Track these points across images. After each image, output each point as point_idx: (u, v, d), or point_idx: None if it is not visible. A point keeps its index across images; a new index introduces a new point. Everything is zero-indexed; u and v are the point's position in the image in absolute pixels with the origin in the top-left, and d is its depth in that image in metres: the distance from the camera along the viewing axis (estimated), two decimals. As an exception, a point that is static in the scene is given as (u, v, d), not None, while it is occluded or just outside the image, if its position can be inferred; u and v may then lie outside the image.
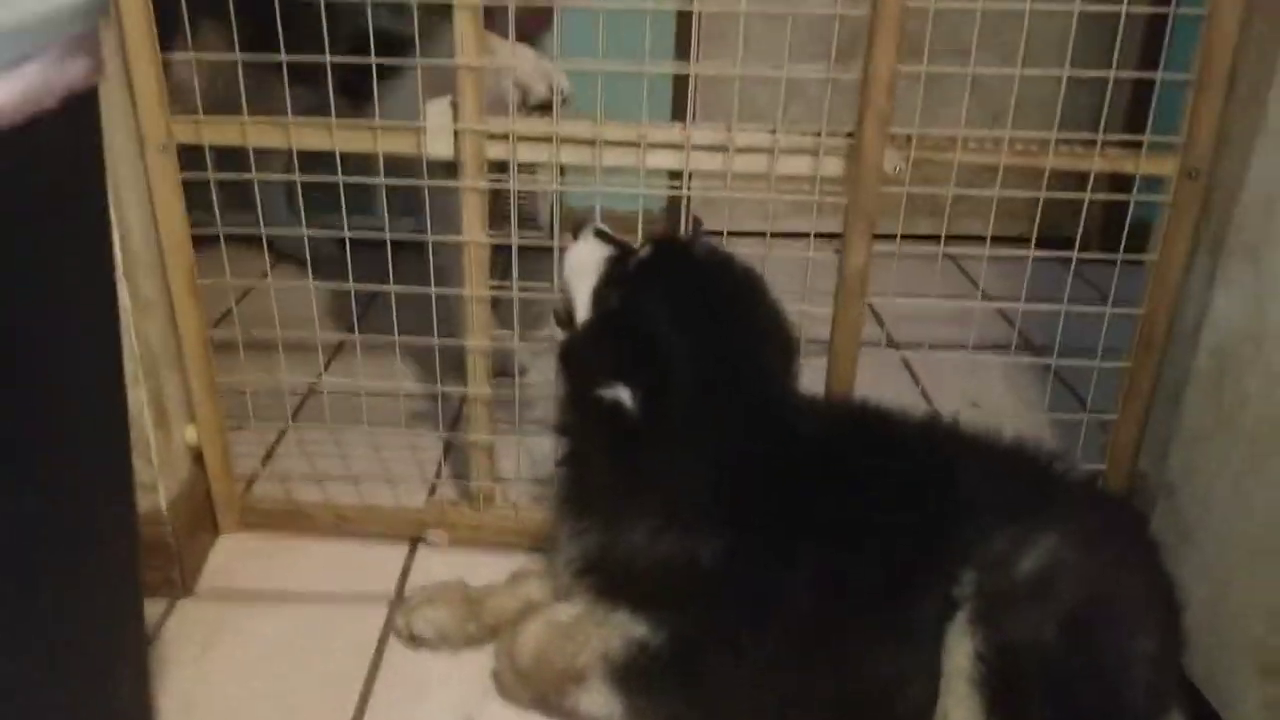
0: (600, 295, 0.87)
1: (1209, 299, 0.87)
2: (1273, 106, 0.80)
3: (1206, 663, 0.83)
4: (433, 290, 1.02)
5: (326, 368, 1.39)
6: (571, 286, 0.90)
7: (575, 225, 0.91)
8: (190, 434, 1.09)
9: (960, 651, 0.81)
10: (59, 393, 0.66)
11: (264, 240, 1.36)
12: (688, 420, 0.80)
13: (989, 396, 1.35)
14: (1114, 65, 0.93)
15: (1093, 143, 0.94)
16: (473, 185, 0.98)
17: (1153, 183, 0.96)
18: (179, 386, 1.07)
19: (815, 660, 0.82)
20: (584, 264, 0.89)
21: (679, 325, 0.80)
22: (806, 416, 0.87)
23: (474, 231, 0.99)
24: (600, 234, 0.90)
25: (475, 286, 1.01)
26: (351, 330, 1.35)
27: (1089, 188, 0.95)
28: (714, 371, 0.81)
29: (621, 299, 0.84)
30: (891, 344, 1.48)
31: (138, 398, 0.99)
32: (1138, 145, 0.94)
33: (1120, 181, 1.01)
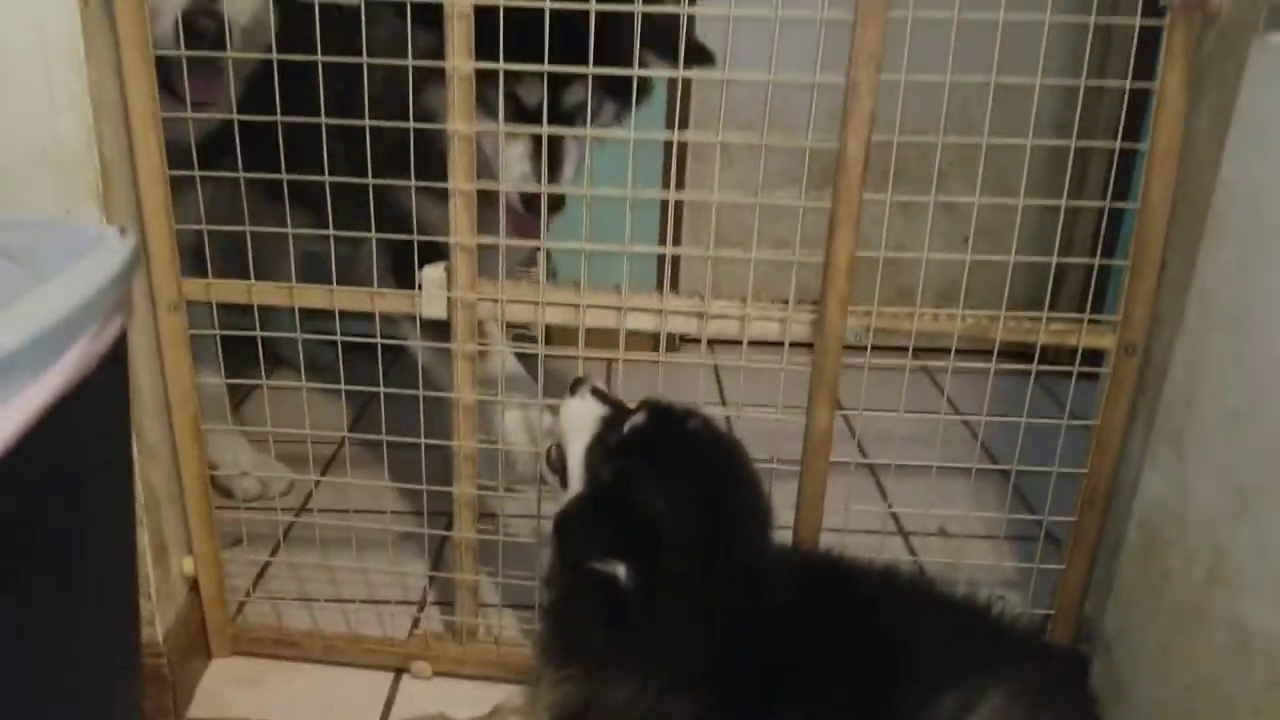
0: (593, 455, 0.94)
1: (1141, 470, 0.95)
2: (1191, 307, 0.89)
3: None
4: (423, 441, 1.10)
5: (317, 484, 1.46)
6: (565, 439, 0.97)
7: (573, 382, 0.98)
8: (188, 564, 1.16)
9: (915, 808, 0.87)
10: (81, 574, 0.73)
11: (259, 348, 1.43)
12: (676, 592, 0.86)
13: (955, 520, 1.43)
14: (1055, 251, 1.02)
15: (1039, 317, 1.03)
16: (463, 348, 1.06)
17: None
18: (178, 522, 1.14)
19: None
20: (579, 421, 0.95)
21: (674, 504, 0.86)
22: (780, 578, 0.93)
23: (464, 391, 1.07)
24: (596, 392, 0.97)
25: (464, 439, 1.09)
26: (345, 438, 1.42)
27: (1035, 359, 1.04)
28: (703, 545, 0.87)
29: (617, 472, 0.90)
30: (863, 460, 1.56)
31: (140, 539, 1.05)
32: (1083, 319, 1.03)
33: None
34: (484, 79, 0.97)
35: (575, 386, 0.98)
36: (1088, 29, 0.93)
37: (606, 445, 0.92)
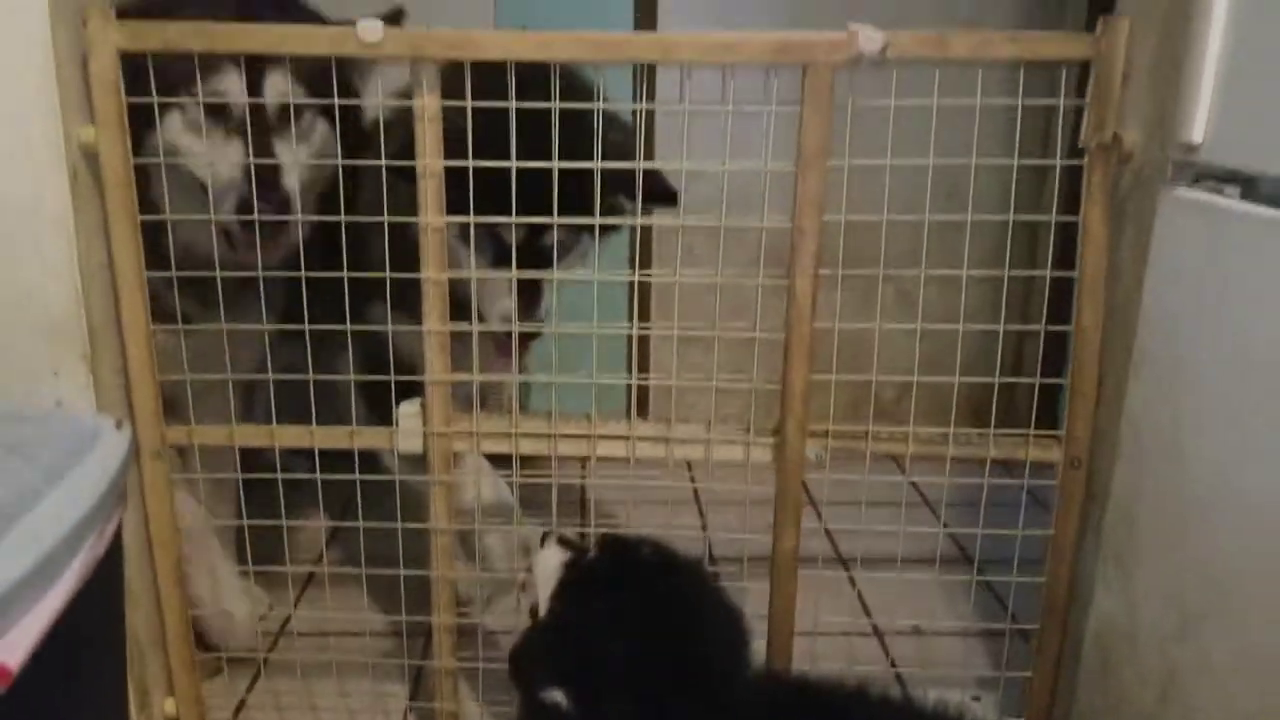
0: (554, 599, 0.99)
1: (1093, 585, 1.01)
2: (1125, 432, 0.96)
3: None
4: (401, 572, 1.13)
5: (296, 603, 1.48)
6: (538, 589, 1.00)
7: (543, 535, 1.03)
8: (170, 706, 1.18)
9: None
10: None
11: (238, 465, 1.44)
12: (623, 715, 0.88)
13: (928, 617, 1.47)
14: (996, 374, 1.10)
15: (986, 433, 1.09)
16: (440, 479, 1.11)
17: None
18: (160, 664, 1.16)
19: None
20: (547, 570, 0.99)
21: (615, 631, 0.89)
22: (750, 705, 0.96)
23: (441, 520, 1.12)
24: (562, 540, 1.02)
25: (441, 568, 1.13)
26: (320, 559, 1.45)
27: (986, 471, 1.10)
28: (652, 672, 0.90)
29: (564, 606, 0.95)
30: (835, 560, 1.60)
31: (122, 684, 1.07)
32: (1042, 431, 1.09)
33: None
34: (468, 206, 1.04)
35: (544, 539, 1.03)
36: (1031, 166, 1.03)
37: (565, 587, 0.97)
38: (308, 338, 1.09)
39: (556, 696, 0.88)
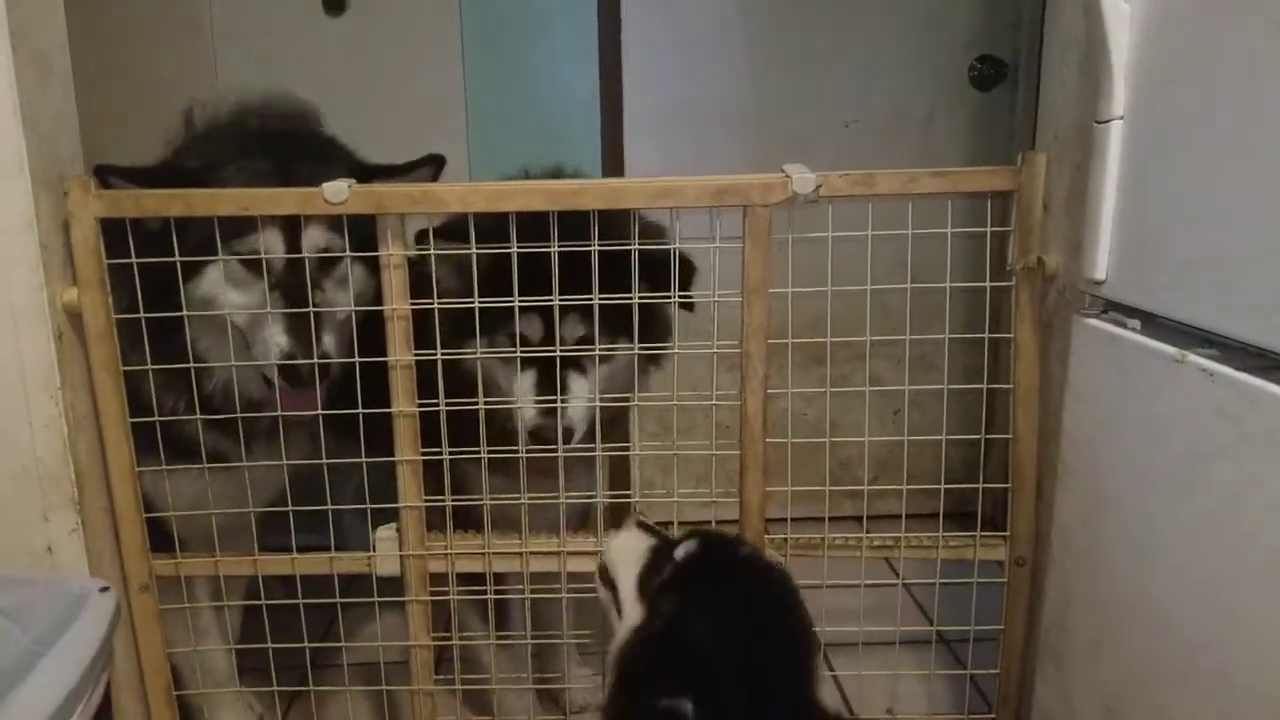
0: (645, 584, 0.99)
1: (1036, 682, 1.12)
2: (1055, 539, 1.07)
3: None
4: (384, 688, 1.24)
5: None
6: (615, 571, 1.02)
7: (619, 519, 1.08)
8: (163, 826, 1.27)
9: None
10: None
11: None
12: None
13: (905, 698, 1.57)
14: (942, 479, 1.21)
15: (935, 535, 1.21)
16: (417, 599, 1.21)
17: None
18: (154, 785, 1.26)
19: None
20: (628, 553, 1.01)
21: (734, 635, 0.92)
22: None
23: (420, 637, 1.22)
24: (642, 525, 1.05)
25: (421, 682, 1.23)
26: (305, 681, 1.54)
27: (937, 574, 1.21)
28: (758, 678, 0.91)
29: (675, 607, 0.95)
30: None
31: (117, 810, 1.17)
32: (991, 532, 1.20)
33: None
34: (495, 321, 1.16)
35: (621, 522, 1.06)
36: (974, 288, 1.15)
37: (659, 575, 0.98)
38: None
39: (683, 705, 0.87)
